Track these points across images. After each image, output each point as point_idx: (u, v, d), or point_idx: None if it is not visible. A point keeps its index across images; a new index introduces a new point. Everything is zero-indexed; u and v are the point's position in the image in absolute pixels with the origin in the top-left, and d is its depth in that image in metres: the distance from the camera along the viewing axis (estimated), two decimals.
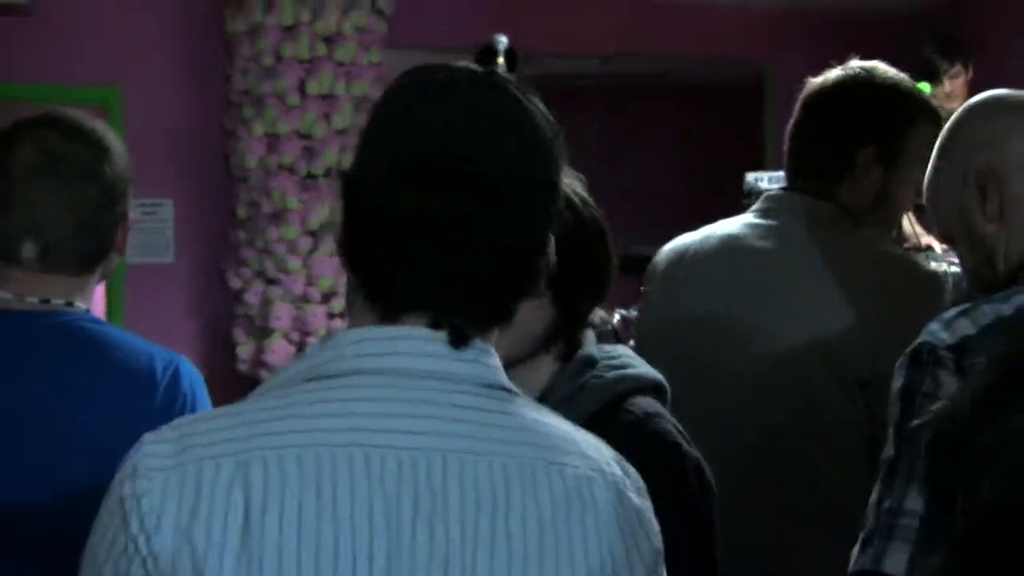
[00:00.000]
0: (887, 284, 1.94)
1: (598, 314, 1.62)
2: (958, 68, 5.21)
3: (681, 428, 1.49)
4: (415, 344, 1.05)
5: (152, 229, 5.71)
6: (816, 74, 2.11)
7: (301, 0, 5.31)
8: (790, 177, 2.11)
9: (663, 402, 1.55)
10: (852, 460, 1.91)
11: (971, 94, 1.82)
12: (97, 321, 1.78)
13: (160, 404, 1.67)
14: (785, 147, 2.12)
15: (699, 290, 2.02)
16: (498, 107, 1.08)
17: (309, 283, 5.33)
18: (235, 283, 5.45)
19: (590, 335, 1.56)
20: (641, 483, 1.13)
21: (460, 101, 1.07)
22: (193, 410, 1.71)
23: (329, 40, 5.37)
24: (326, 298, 5.34)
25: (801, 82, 2.15)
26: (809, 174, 2.06)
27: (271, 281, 5.35)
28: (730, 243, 2.05)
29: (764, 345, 1.92)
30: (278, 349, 5.26)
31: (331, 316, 5.30)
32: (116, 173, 1.76)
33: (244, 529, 0.97)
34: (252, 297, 5.37)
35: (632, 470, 1.13)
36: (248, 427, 1.02)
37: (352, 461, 1.00)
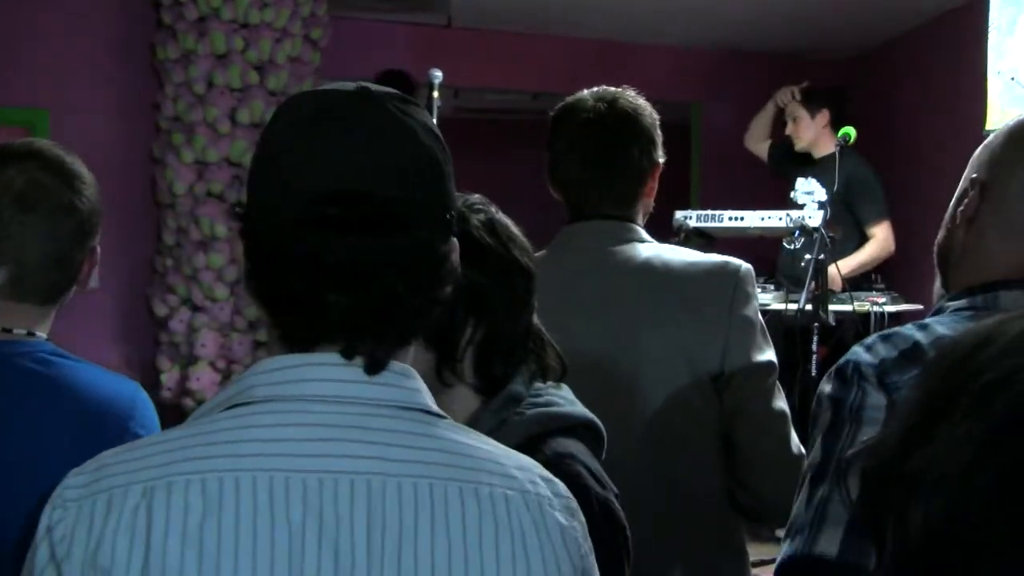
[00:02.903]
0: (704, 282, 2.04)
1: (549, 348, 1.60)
2: (794, 109, 5.39)
3: (595, 469, 1.48)
4: (330, 371, 1.07)
5: None
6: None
7: (234, 29, 5.29)
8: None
9: (595, 441, 1.54)
10: (709, 462, 2.03)
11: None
12: (57, 352, 1.77)
13: (114, 437, 1.64)
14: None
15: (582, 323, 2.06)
16: (379, 130, 1.08)
17: (236, 311, 5.29)
18: (161, 310, 5.39)
19: (522, 374, 1.54)
20: (573, 503, 1.14)
21: (350, 132, 1.07)
22: None
23: (261, 69, 5.36)
24: (252, 327, 5.30)
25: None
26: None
27: (197, 308, 5.30)
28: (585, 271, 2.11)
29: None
30: (203, 377, 5.20)
31: (258, 345, 5.26)
32: (91, 207, 1.78)
33: (146, 552, 0.98)
34: (178, 324, 5.31)
35: (563, 490, 1.14)
36: (163, 455, 1.03)
37: (256, 485, 1.00)
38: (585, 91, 2.19)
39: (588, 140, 2.13)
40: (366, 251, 1.05)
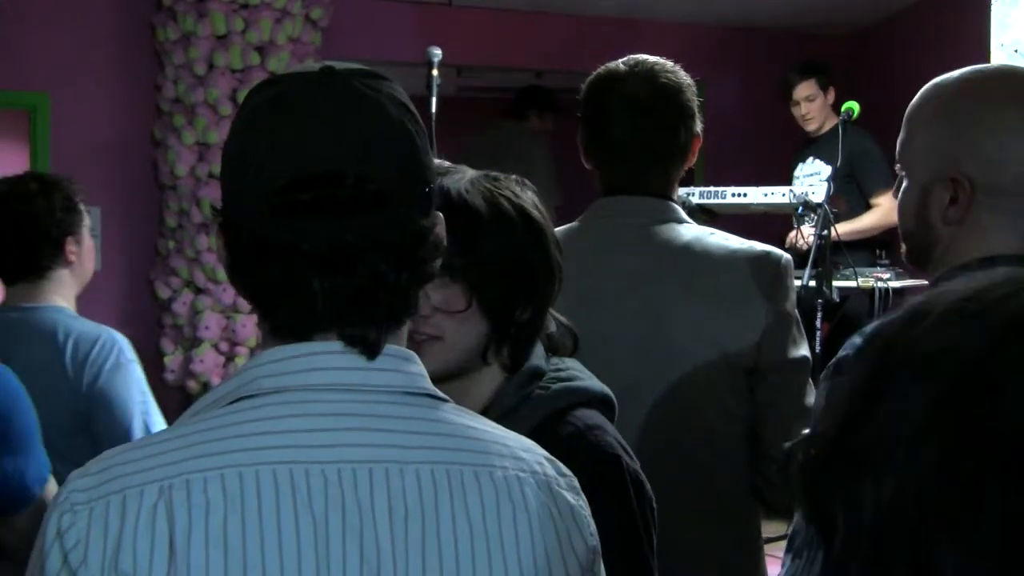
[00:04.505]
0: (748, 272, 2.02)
1: (553, 323, 1.60)
2: (810, 88, 5.31)
3: (622, 440, 1.50)
4: (331, 359, 1.06)
5: None
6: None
7: (234, 9, 5.27)
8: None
9: (610, 414, 1.55)
10: (734, 452, 2.01)
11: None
12: None
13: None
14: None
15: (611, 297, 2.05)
16: (345, 107, 1.06)
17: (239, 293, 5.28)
18: (164, 292, 5.39)
19: (539, 348, 1.55)
20: (575, 483, 1.14)
21: (314, 113, 1.05)
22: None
23: (262, 50, 5.34)
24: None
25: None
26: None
27: (200, 291, 5.30)
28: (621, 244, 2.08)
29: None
30: (207, 359, 5.20)
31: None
32: None
33: (170, 554, 0.96)
34: (181, 307, 5.31)
35: (566, 470, 1.14)
36: (172, 453, 1.01)
37: (277, 478, 1.00)
38: (619, 62, 2.12)
39: (629, 114, 2.07)
40: (345, 233, 1.03)
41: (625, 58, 2.13)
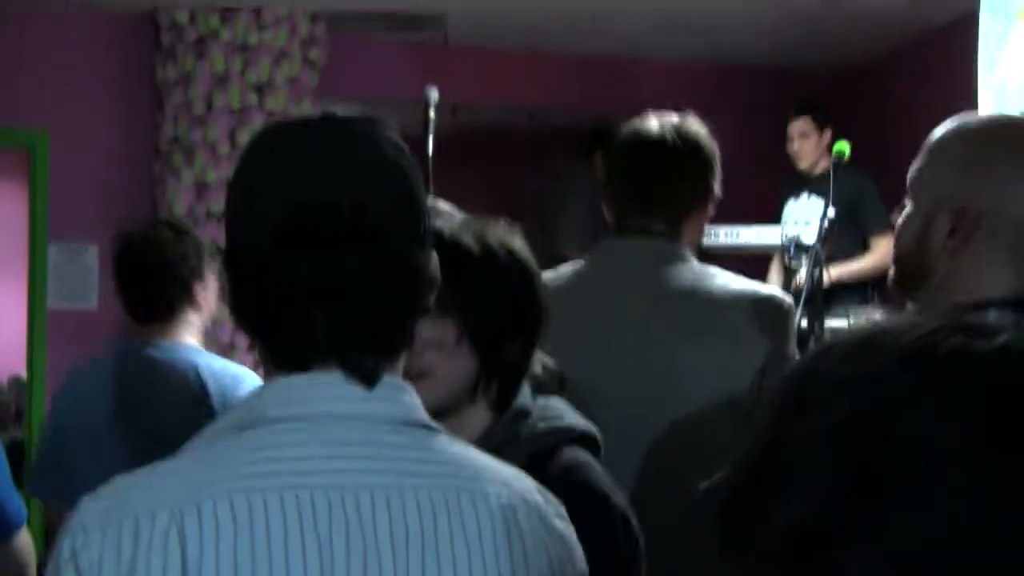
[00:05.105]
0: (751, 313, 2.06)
1: (539, 365, 1.64)
2: (804, 125, 5.36)
3: (609, 478, 1.53)
4: (333, 389, 1.10)
5: (76, 274, 5.65)
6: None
7: (233, 50, 5.32)
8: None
9: (596, 452, 1.58)
10: None
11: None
12: None
13: None
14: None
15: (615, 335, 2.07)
16: (342, 145, 1.11)
17: (236, 330, 5.30)
18: None
19: (526, 388, 1.59)
20: (563, 511, 1.18)
21: (314, 153, 1.10)
22: None
23: (260, 90, 5.39)
24: (254, 346, 5.30)
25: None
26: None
27: None
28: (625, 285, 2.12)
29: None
30: None
31: (258, 364, 5.26)
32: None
33: (182, 575, 1.00)
34: None
35: (553, 498, 1.18)
36: (182, 479, 1.05)
37: (283, 503, 1.04)
38: (651, 115, 2.23)
39: (646, 156, 2.17)
40: (342, 265, 1.08)
41: (658, 113, 2.24)
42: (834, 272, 4.64)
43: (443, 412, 1.48)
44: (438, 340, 1.47)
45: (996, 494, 0.58)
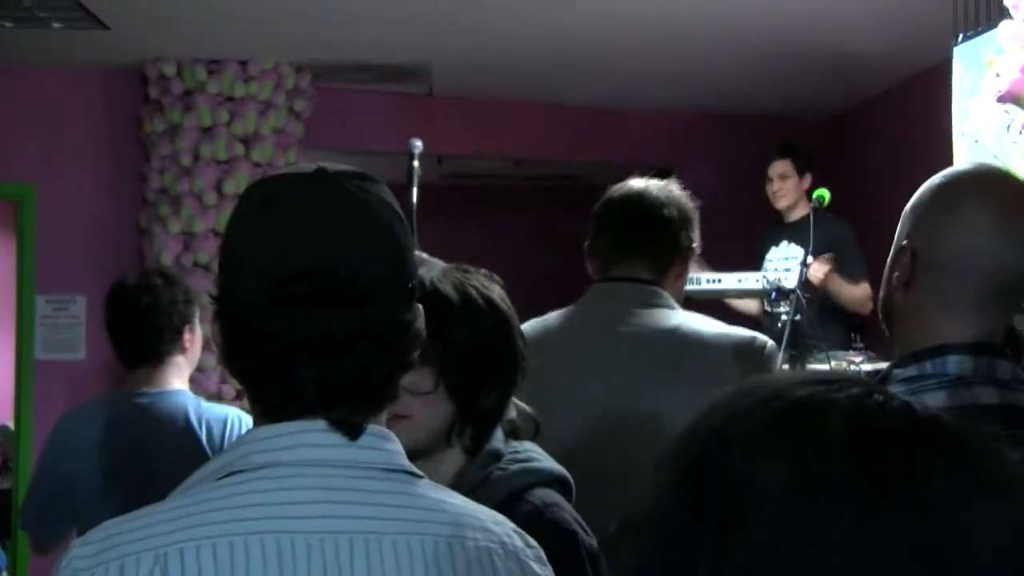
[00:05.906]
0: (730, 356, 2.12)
1: (514, 410, 1.67)
2: (785, 167, 5.45)
3: (579, 518, 1.56)
4: (317, 436, 1.13)
5: (63, 325, 5.67)
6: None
7: (219, 102, 5.38)
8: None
9: (567, 494, 1.62)
10: None
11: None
12: None
13: None
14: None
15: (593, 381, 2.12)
16: (338, 208, 1.15)
17: (223, 380, 5.33)
18: None
19: (499, 432, 1.63)
20: (542, 554, 1.22)
21: (309, 213, 1.14)
22: None
23: (247, 141, 5.44)
24: (240, 395, 5.33)
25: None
26: None
27: None
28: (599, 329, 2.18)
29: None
30: None
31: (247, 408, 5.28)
32: None
33: None
34: None
35: (533, 542, 1.22)
36: (168, 523, 1.09)
37: (264, 547, 1.07)
38: (637, 178, 2.35)
39: (629, 207, 2.27)
40: (334, 324, 1.11)
41: (640, 175, 2.37)
42: (834, 284, 4.70)
43: (418, 454, 1.52)
44: (417, 386, 1.51)
45: (798, 537, 0.64)
